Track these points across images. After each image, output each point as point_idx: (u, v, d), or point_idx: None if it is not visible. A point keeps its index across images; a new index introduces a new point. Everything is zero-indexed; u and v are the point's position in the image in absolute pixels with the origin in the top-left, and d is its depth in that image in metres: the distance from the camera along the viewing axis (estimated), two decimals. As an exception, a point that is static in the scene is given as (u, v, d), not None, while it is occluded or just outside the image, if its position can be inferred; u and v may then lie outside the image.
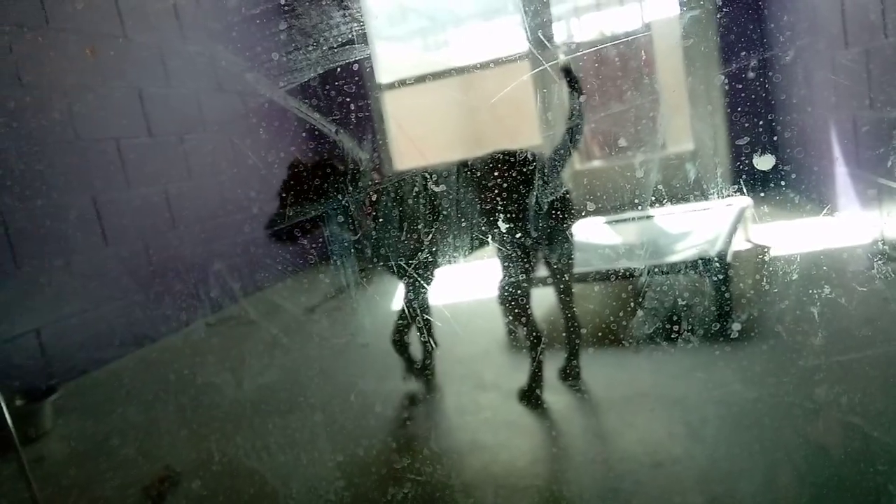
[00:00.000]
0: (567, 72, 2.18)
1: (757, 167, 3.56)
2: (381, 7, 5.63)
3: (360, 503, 1.65)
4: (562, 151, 2.15)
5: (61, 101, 3.36)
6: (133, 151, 3.73)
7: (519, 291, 2.07)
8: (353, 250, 1.89)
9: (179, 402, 2.55)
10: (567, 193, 2.13)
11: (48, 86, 3.31)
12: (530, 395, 2.12)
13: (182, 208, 3.96)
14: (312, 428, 2.02)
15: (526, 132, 5.35)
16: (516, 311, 2.09)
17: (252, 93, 4.77)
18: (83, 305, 3.30)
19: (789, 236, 3.45)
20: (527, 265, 2.05)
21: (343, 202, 1.89)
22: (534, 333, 2.13)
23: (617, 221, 3.76)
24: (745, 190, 4.30)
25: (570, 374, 2.23)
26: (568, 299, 2.28)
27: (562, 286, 2.27)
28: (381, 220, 1.96)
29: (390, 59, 5.74)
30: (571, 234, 2.18)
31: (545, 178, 2.03)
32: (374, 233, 1.93)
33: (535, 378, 2.13)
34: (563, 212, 2.09)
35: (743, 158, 4.62)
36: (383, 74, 5.45)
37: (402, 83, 5.50)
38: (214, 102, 4.45)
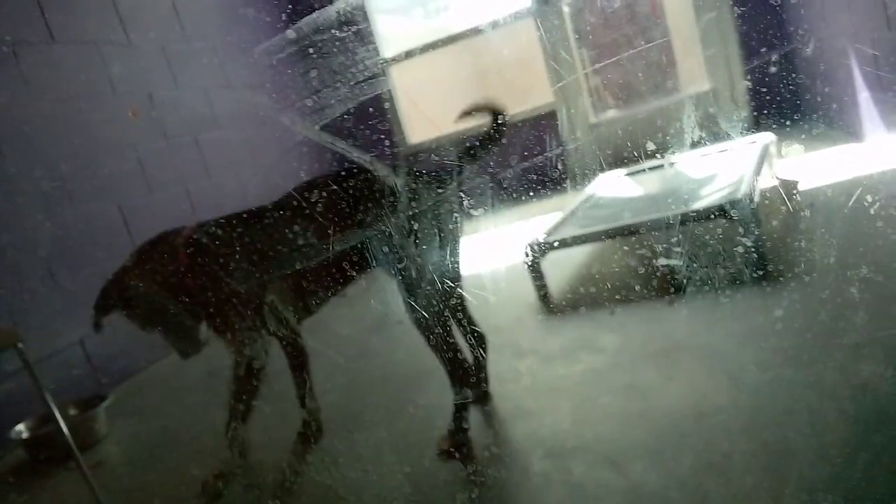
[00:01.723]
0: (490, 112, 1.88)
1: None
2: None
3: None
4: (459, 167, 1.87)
5: (76, 112, 3.40)
6: (151, 156, 3.77)
7: (438, 318, 1.79)
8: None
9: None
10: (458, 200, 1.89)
11: (62, 99, 3.35)
12: (456, 442, 1.83)
13: (203, 207, 4.00)
14: (378, 443, 2.04)
15: (536, 91, 5.27)
16: (441, 340, 1.80)
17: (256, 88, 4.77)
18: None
19: (817, 168, 3.37)
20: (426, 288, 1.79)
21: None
22: (462, 365, 1.85)
23: (638, 172, 3.71)
24: (765, 124, 4.20)
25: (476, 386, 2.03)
26: (464, 309, 2.01)
27: (453, 300, 1.97)
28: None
29: (392, 32, 5.66)
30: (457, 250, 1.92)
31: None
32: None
33: (461, 419, 1.85)
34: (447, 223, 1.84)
35: (761, 91, 4.50)
36: (387, 48, 5.39)
37: (408, 55, 5.44)
38: (225, 99, 4.46)
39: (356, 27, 4.66)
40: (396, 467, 1.86)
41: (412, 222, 1.74)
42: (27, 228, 3.05)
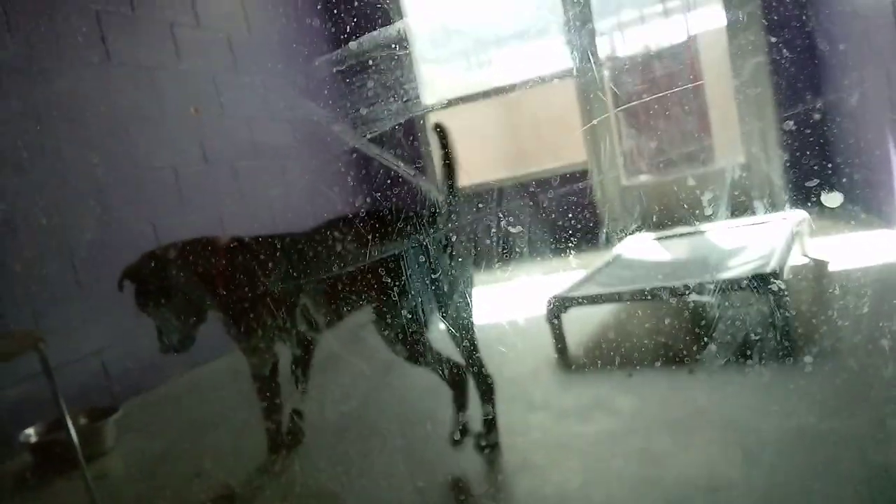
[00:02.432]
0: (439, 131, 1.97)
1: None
2: (424, 30, 5.71)
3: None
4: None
5: (124, 130, 3.52)
6: (189, 178, 3.87)
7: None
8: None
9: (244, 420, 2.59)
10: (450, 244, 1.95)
11: (113, 117, 3.47)
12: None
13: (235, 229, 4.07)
14: (391, 454, 2.07)
15: (570, 149, 5.33)
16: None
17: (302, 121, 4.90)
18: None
19: (849, 250, 3.34)
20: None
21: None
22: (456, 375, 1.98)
23: (667, 238, 3.70)
24: (799, 202, 4.19)
25: (487, 438, 2.02)
26: (470, 348, 2.04)
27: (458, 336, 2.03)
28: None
29: (434, 81, 5.80)
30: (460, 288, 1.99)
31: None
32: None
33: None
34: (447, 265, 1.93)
35: (795, 170, 4.50)
36: (428, 96, 5.52)
37: (446, 104, 5.55)
38: (267, 130, 4.58)
39: (408, 48, 4.82)
40: (408, 480, 1.86)
41: (450, 237, 1.80)
42: (61, 238, 3.13)
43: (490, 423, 2.03)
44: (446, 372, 2.03)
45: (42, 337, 2.06)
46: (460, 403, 2.02)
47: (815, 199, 4.19)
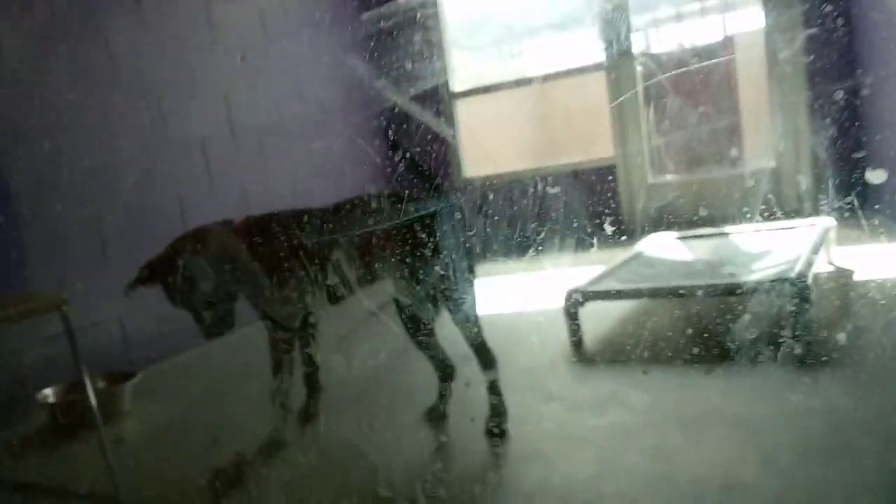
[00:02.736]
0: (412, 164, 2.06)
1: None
2: (457, 17, 5.68)
3: (455, 486, 1.70)
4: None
5: (152, 103, 3.55)
6: (216, 152, 3.89)
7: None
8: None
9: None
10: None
11: (140, 88, 3.50)
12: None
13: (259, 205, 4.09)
14: (415, 411, 2.12)
15: (598, 143, 5.29)
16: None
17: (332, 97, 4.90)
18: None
19: (875, 260, 3.27)
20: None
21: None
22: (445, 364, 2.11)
23: (690, 237, 3.66)
24: (829, 209, 4.11)
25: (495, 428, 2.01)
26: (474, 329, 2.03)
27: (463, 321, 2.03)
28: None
29: (465, 68, 5.78)
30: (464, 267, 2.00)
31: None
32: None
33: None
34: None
35: (827, 175, 4.42)
36: (457, 82, 5.50)
37: (476, 91, 5.53)
38: (296, 109, 4.58)
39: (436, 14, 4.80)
40: (432, 436, 1.93)
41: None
42: (90, 203, 3.17)
43: (496, 396, 2.02)
44: (440, 367, 2.14)
45: (66, 300, 2.09)
46: (443, 394, 2.15)
47: (844, 205, 4.11)
